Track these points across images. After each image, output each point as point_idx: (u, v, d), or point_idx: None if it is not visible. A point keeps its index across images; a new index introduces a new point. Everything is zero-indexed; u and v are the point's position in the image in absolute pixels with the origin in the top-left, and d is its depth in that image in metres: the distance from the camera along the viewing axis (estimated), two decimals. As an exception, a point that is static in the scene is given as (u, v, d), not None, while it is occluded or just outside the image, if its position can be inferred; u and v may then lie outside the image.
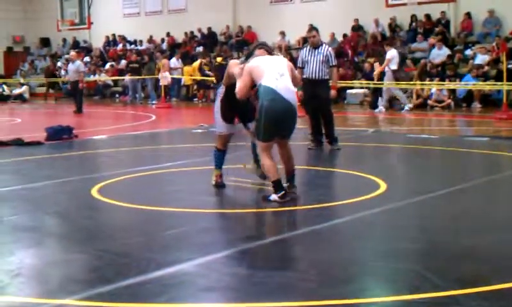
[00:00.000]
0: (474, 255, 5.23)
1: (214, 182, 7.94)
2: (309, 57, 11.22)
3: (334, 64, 11.35)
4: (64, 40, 35.47)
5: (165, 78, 24.50)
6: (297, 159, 7.80)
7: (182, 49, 29.11)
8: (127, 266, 4.99)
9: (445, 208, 7.00)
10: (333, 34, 24.70)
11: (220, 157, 7.96)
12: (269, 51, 7.61)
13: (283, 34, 26.41)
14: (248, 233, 6.08)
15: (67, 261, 5.36)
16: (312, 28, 11.53)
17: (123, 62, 29.49)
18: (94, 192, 7.89)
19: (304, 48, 11.68)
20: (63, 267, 5.20)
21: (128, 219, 6.87)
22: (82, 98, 22.05)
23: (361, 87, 21.92)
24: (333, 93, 11.44)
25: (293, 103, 7.12)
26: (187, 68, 26.38)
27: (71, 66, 21.81)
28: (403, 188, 8.08)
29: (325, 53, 11.17)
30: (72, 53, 23.51)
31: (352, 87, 22.22)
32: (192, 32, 29.86)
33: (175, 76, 25.98)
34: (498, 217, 6.57)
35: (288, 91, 7.07)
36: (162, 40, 30.91)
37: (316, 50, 11.21)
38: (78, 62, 21.88)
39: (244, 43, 26.20)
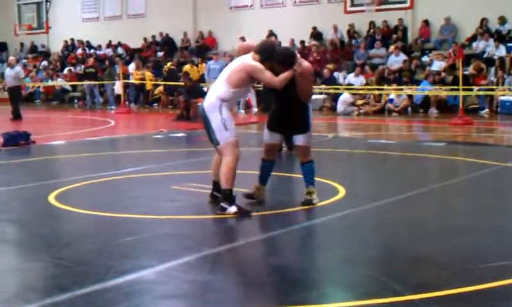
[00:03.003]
0: (433, 260, 5.28)
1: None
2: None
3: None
4: (22, 45, 34.96)
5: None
6: (255, 164, 7.61)
7: (142, 54, 28.86)
8: (85, 274, 4.94)
9: (404, 213, 7.07)
10: (292, 40, 24.77)
11: (263, 167, 7.37)
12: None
13: (243, 39, 26.31)
14: (207, 239, 6.06)
15: (24, 269, 5.29)
16: (271, 34, 11.55)
17: (82, 67, 29.15)
18: (51, 198, 7.78)
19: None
20: (20, 275, 5.13)
21: (87, 225, 6.79)
22: (19, 104, 21.03)
23: (321, 93, 22.04)
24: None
25: (205, 107, 6.81)
26: (148, 73, 26.20)
27: (9, 72, 21.12)
28: (362, 193, 8.13)
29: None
30: (11, 58, 22.88)
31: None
32: (154, 37, 29.61)
33: (132, 81, 25.76)
34: (456, 222, 6.65)
35: (209, 95, 6.89)
36: (116, 46, 30.52)
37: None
38: (17, 68, 21.35)
39: (205, 48, 26.12)
